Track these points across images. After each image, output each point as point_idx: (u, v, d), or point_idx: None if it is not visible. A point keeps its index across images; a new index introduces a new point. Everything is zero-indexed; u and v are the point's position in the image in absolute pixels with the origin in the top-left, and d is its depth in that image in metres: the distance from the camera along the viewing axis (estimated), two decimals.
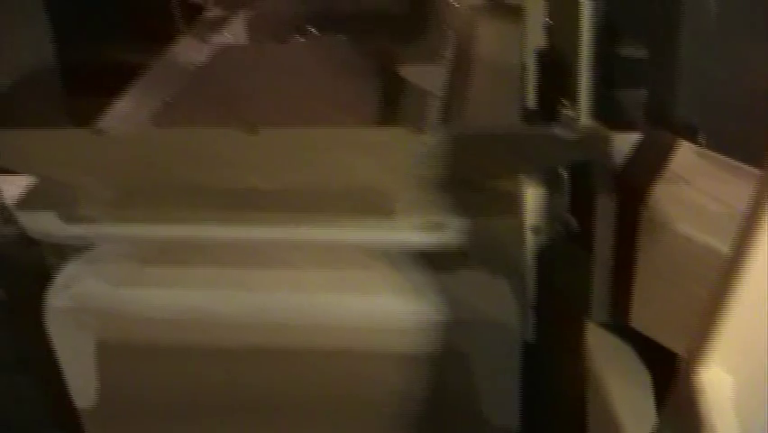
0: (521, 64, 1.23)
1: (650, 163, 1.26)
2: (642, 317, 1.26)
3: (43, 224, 0.94)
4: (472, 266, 0.91)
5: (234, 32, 1.27)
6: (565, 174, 0.96)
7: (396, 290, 0.92)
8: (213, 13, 1.42)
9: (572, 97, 1.57)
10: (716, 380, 0.88)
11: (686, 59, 1.31)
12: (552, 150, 0.85)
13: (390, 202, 0.88)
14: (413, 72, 1.08)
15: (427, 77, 1.07)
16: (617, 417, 1.32)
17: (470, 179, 0.88)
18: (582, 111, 1.69)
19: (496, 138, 0.88)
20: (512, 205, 0.87)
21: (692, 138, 1.32)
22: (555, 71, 1.36)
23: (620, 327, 1.32)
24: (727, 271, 0.88)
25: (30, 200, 0.96)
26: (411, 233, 0.87)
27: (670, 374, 0.99)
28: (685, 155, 1.27)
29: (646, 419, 1.28)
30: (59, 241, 0.98)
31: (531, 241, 1.11)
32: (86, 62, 2.67)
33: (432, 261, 0.92)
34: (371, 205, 0.89)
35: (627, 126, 1.41)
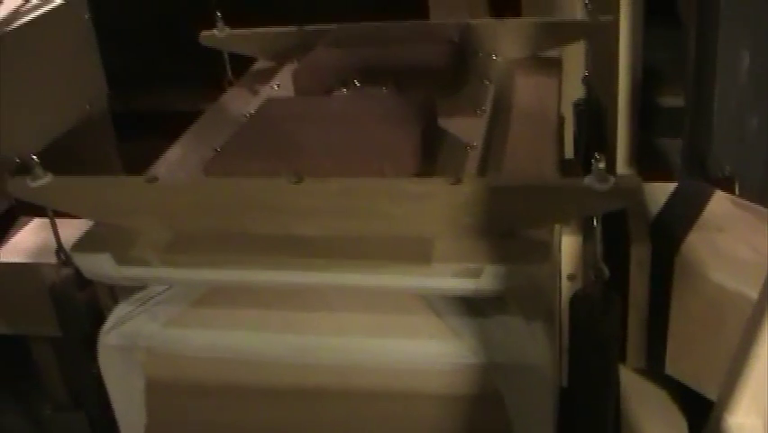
0: (559, 115, 1.26)
1: (685, 212, 1.29)
2: (677, 364, 1.28)
3: (98, 265, 0.99)
4: (507, 310, 0.94)
5: (282, 84, 1.32)
6: (600, 222, 0.99)
7: (434, 334, 0.96)
8: (262, 65, 1.48)
9: (610, 147, 1.60)
10: (746, 425, 0.90)
11: (721, 110, 1.34)
12: (585, 201, 0.88)
13: (429, 249, 0.92)
14: (453, 124, 1.12)
15: (467, 128, 1.11)
16: None
17: (505, 228, 0.91)
18: (620, 160, 1.73)
19: (530, 189, 0.91)
20: (546, 252, 0.90)
21: (727, 187, 1.35)
22: (593, 122, 1.39)
23: (656, 373, 1.34)
24: (756, 317, 0.91)
25: (85, 243, 1.00)
26: (448, 278, 0.90)
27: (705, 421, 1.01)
28: (720, 204, 1.30)
29: None
30: (112, 282, 1.02)
31: (566, 287, 1.14)
32: (138, 110, 2.76)
33: (469, 305, 0.95)
34: (411, 252, 0.92)
35: (665, 176, 1.44)
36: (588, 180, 0.87)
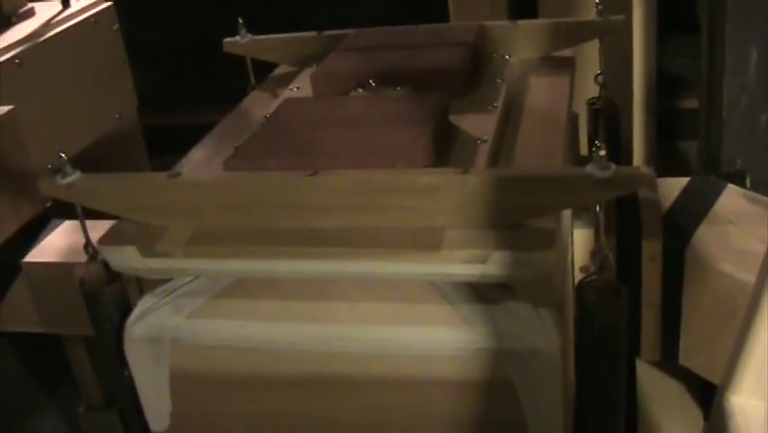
0: (571, 112, 1.29)
1: (696, 205, 1.31)
2: (691, 355, 1.30)
3: (124, 257, 1.03)
4: (516, 298, 0.97)
5: (301, 86, 1.36)
6: (611, 214, 1.01)
7: (446, 321, 0.99)
8: (283, 70, 1.52)
9: (626, 145, 1.62)
10: (748, 406, 0.93)
11: (731, 106, 1.37)
12: (586, 188, 0.91)
13: (438, 238, 0.95)
14: (465, 120, 1.15)
15: (478, 124, 1.14)
16: None
17: (511, 217, 0.95)
18: (637, 161, 1.75)
19: (533, 178, 0.94)
20: (551, 240, 0.93)
21: (739, 181, 1.37)
22: (607, 119, 1.42)
23: (670, 365, 1.36)
24: (756, 299, 0.93)
25: (112, 236, 1.05)
26: (456, 265, 0.94)
27: None
28: (731, 198, 1.32)
29: None
30: (138, 274, 1.07)
31: (576, 277, 1.17)
32: (169, 125, 2.81)
33: (479, 293, 0.98)
34: (421, 240, 0.95)
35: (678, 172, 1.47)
36: (589, 168, 0.90)
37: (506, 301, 0.98)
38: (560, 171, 1.01)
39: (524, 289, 0.98)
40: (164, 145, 2.22)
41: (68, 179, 1.04)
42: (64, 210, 1.44)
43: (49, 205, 1.55)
